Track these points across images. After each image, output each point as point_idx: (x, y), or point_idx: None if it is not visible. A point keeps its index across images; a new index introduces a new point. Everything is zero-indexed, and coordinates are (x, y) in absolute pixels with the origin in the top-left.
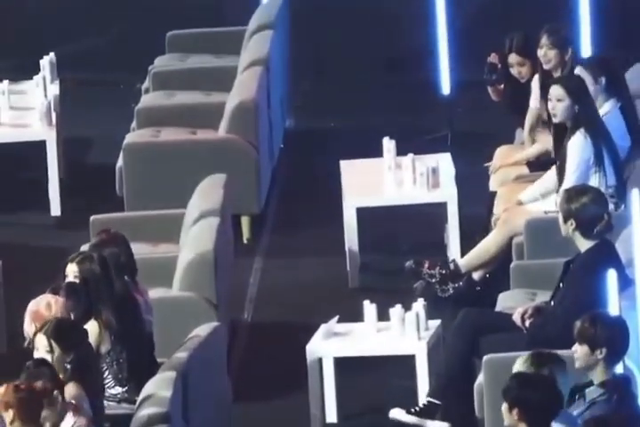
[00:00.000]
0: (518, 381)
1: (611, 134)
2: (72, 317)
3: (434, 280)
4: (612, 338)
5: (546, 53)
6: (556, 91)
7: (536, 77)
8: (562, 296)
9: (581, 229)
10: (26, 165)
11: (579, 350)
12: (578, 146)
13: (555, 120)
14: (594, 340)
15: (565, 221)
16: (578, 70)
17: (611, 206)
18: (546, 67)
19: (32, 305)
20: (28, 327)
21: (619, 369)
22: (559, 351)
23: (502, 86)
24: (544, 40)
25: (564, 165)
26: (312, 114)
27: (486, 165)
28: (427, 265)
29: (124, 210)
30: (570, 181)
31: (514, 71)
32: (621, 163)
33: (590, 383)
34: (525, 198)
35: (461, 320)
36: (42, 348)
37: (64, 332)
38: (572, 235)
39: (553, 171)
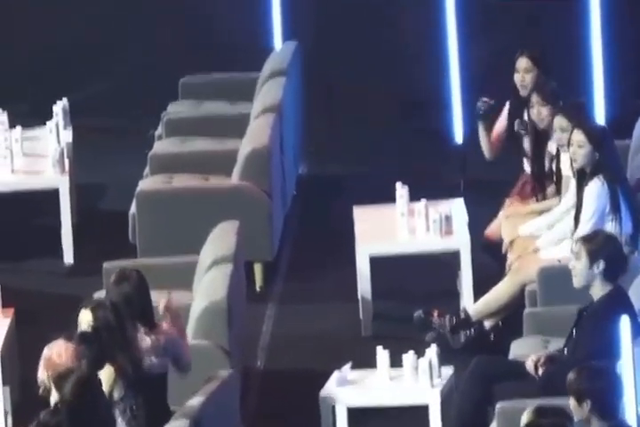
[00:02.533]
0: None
1: (628, 182)
2: (84, 364)
3: (445, 330)
4: (594, 390)
5: (539, 112)
6: (577, 137)
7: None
8: (575, 344)
9: (608, 270)
10: (39, 213)
11: (571, 404)
12: (595, 193)
13: (575, 165)
14: (578, 392)
15: (592, 263)
16: (557, 119)
17: (626, 253)
18: (541, 126)
19: (45, 352)
20: (42, 374)
21: (631, 417)
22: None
23: (495, 131)
24: (534, 98)
25: (580, 211)
26: (325, 160)
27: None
28: (436, 314)
29: (137, 257)
30: (585, 228)
31: (517, 78)
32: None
33: None
34: (542, 244)
35: (474, 368)
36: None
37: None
38: (593, 279)
39: (570, 217)
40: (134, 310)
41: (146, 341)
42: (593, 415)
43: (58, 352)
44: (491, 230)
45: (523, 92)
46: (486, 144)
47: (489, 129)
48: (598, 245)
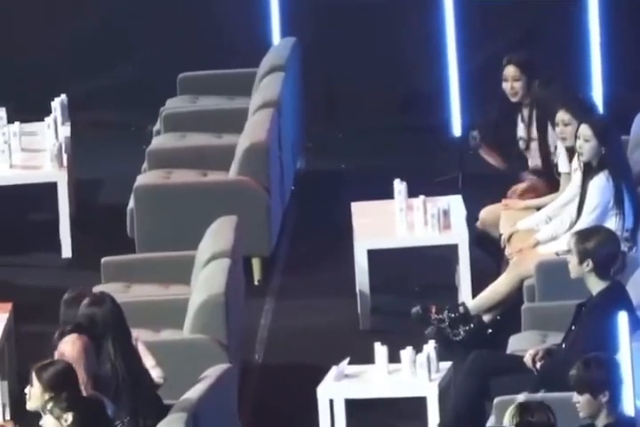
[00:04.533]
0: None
1: (633, 178)
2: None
3: (444, 325)
4: (611, 379)
5: (563, 131)
6: (583, 130)
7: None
8: (573, 339)
9: (598, 269)
10: (37, 207)
11: (581, 400)
12: (599, 187)
13: (581, 159)
14: (594, 385)
15: (581, 262)
16: (560, 114)
17: (624, 249)
18: (568, 144)
19: (60, 345)
20: None
21: (629, 411)
22: (570, 393)
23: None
24: (560, 116)
25: (583, 204)
26: (323, 156)
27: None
28: (434, 310)
29: (135, 251)
30: (585, 222)
31: (506, 86)
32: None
33: (591, 425)
34: (542, 238)
35: (472, 362)
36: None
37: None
38: (586, 276)
39: (572, 209)
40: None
41: None
42: (606, 407)
43: (68, 343)
44: (484, 219)
45: (513, 99)
46: (493, 159)
47: (490, 146)
48: (586, 244)
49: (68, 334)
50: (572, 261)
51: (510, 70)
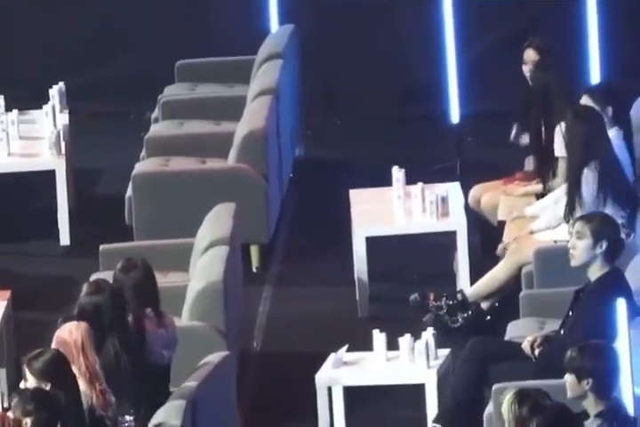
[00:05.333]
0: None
1: (621, 164)
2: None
3: (442, 312)
4: (597, 369)
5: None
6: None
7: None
8: (571, 325)
9: (610, 251)
10: (35, 195)
11: (568, 380)
12: (587, 178)
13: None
14: (580, 370)
15: (596, 242)
16: (584, 99)
17: (623, 236)
18: None
19: (57, 333)
20: None
21: (627, 398)
22: None
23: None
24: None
25: (573, 195)
26: (322, 143)
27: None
28: (432, 297)
29: (134, 239)
30: (580, 212)
31: (525, 69)
32: (633, 193)
33: (584, 413)
34: (537, 227)
35: (470, 349)
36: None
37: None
38: (593, 260)
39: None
40: (144, 297)
41: (158, 333)
42: (591, 394)
43: (69, 330)
44: (474, 197)
45: (532, 83)
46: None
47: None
48: (602, 225)
49: (70, 320)
50: (582, 245)
51: (530, 54)
